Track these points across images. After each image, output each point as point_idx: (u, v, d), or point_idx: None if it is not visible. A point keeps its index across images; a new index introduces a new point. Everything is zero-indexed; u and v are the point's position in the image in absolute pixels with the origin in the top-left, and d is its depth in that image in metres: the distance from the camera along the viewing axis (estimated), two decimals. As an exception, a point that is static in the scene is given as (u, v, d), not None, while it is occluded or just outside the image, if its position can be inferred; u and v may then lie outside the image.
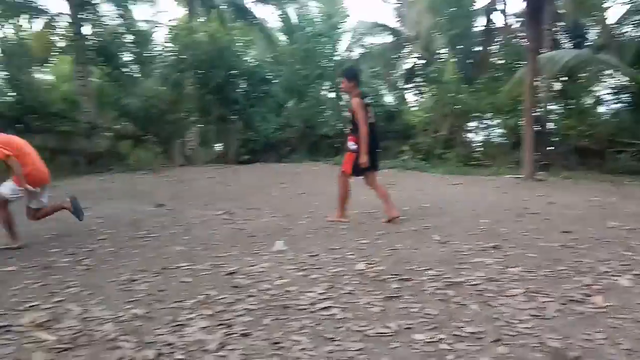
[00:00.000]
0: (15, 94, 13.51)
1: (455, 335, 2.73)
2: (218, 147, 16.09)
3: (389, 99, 18.84)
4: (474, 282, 3.60)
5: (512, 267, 3.88)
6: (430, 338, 2.69)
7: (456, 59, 15.85)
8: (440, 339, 2.69)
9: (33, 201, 5.52)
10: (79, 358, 2.55)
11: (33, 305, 3.35)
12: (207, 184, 10.36)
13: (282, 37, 23.11)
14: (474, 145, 16.65)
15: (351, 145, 5.96)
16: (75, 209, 5.86)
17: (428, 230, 5.53)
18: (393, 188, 9.34)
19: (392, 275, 3.84)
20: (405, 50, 22.97)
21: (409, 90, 24.60)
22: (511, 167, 12.77)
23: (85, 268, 4.33)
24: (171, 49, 15.35)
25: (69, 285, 3.79)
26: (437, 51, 21.35)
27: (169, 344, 2.68)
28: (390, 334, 2.77)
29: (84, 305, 3.32)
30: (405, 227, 5.70)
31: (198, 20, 16.68)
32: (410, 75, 24.37)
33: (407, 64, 23.31)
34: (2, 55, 13.76)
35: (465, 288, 3.51)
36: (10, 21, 16.52)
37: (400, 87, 22.52)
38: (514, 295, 3.28)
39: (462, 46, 17.61)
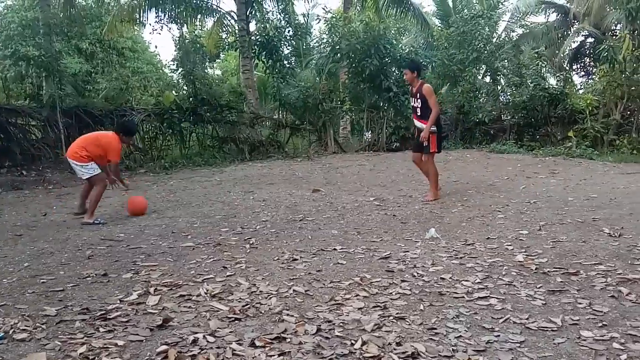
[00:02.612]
0: (190, 87, 14.86)
1: (630, 334, 2.52)
2: (369, 134, 16.26)
3: (552, 81, 17.48)
4: (652, 281, 3.27)
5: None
6: (601, 336, 2.52)
7: (633, 35, 14.16)
8: (612, 337, 2.50)
9: None
10: (249, 328, 2.78)
11: (208, 278, 3.71)
12: (359, 171, 10.56)
13: (436, 22, 22.62)
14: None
15: (432, 128, 6.72)
16: None
17: (597, 222, 5.11)
18: (556, 177, 8.74)
19: (555, 268, 3.63)
20: (573, 28, 21.18)
21: (575, 72, 22.67)
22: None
23: (252, 246, 4.69)
24: (327, 39, 15.80)
25: (238, 261, 4.14)
26: (611, 27, 19.35)
27: (328, 321, 2.83)
28: (554, 328, 2.64)
29: (252, 280, 3.62)
30: (571, 219, 5.32)
31: (354, 9, 16.98)
32: (577, 55, 22.40)
33: (574, 43, 21.51)
34: (179, 52, 15.20)
35: (641, 286, 3.20)
36: (187, 21, 18.30)
37: (565, 68, 20.84)
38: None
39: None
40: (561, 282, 3.38)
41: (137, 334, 2.69)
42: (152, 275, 3.81)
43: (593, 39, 20.30)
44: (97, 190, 6.28)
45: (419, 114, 6.88)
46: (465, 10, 17.05)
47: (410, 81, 7.02)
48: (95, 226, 5.96)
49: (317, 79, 15.63)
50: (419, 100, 6.81)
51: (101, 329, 2.78)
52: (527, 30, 21.88)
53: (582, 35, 21.39)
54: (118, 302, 3.22)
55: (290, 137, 16.46)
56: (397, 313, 2.92)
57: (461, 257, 4.06)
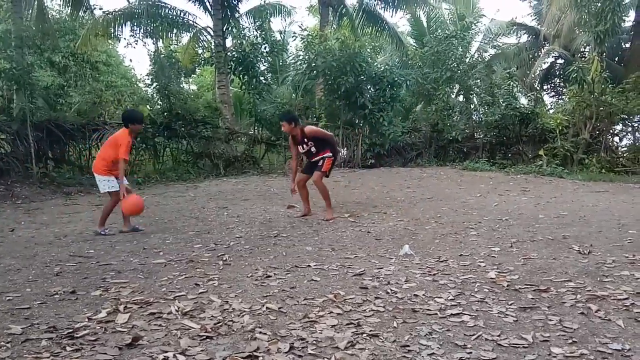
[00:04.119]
0: (165, 102, 14.75)
1: (599, 351, 2.55)
2: (344, 151, 16.36)
3: (523, 101, 17.88)
4: (620, 297, 3.32)
5: (666, 284, 3.53)
6: (571, 353, 2.54)
7: (601, 57, 14.62)
8: (582, 354, 2.52)
9: None
10: (220, 346, 2.73)
11: (179, 295, 3.65)
12: (334, 187, 10.54)
13: (411, 41, 23.00)
14: (620, 150, 15.30)
15: (328, 154, 7.17)
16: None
17: (567, 239, 5.20)
18: (527, 195, 8.89)
19: (526, 285, 3.67)
20: (543, 49, 21.77)
21: (546, 92, 23.26)
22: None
23: (225, 263, 4.64)
24: (303, 56, 15.92)
25: (211, 278, 4.08)
26: (580, 49, 19.94)
27: (302, 339, 2.79)
28: (525, 345, 2.66)
29: (224, 298, 3.57)
30: (541, 236, 5.40)
31: (330, 28, 17.17)
32: (547, 75, 23.00)
33: (545, 63, 22.08)
34: (154, 67, 15.10)
35: (609, 302, 3.25)
36: (163, 36, 18.27)
37: (536, 88, 21.35)
38: (668, 315, 2.99)
39: (608, 43, 16.20)
40: (532, 298, 3.42)
41: (106, 353, 2.62)
42: (122, 292, 3.73)
43: (563, 60, 20.90)
44: (111, 202, 6.32)
45: (313, 152, 7.22)
46: (439, 31, 17.40)
47: (289, 132, 7.18)
48: (102, 236, 6.10)
49: (293, 95, 15.71)
50: (310, 143, 7.14)
51: (68, 348, 2.69)
52: (499, 51, 22.44)
53: (552, 57, 22.01)
54: (86, 320, 3.13)
55: (265, 153, 16.44)
56: (370, 330, 2.91)
57: (434, 274, 4.08)
